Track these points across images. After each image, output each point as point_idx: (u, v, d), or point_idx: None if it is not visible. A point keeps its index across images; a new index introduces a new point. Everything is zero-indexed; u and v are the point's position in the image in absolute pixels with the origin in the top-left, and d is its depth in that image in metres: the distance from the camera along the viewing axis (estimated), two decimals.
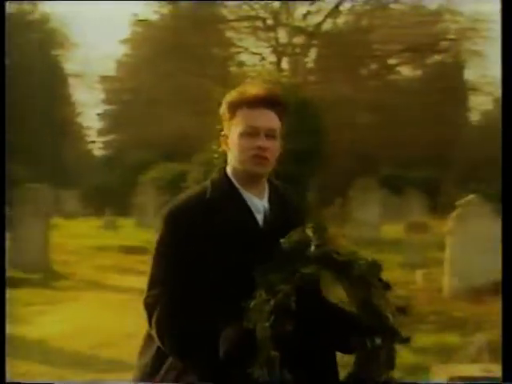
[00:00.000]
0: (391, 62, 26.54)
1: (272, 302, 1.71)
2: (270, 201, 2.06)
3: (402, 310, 1.89)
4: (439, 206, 19.05)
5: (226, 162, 2.08)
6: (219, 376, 1.82)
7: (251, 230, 1.99)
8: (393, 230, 15.87)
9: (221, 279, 1.91)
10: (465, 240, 8.23)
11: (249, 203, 2.02)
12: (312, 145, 8.34)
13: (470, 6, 23.81)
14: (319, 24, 22.93)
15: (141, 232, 16.02)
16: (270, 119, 1.99)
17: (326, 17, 22.93)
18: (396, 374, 1.90)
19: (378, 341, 1.83)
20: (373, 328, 1.83)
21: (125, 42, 33.73)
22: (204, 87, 18.25)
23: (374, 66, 26.74)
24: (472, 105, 32.13)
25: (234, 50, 26.05)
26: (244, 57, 25.30)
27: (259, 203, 2.03)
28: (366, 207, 15.44)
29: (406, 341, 1.86)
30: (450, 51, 25.67)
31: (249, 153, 1.98)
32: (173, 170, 19.06)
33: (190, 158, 12.57)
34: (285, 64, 22.97)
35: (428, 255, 11.18)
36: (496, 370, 3.83)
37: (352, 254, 1.83)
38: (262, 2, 22.43)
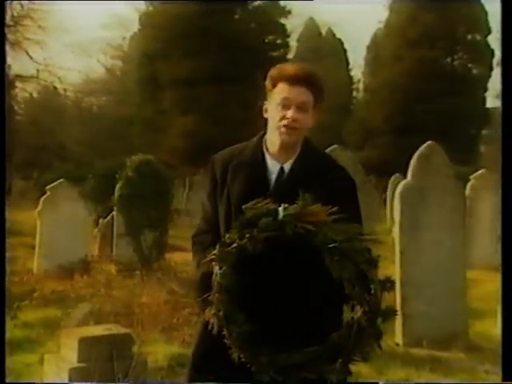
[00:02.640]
0: None
1: (220, 256, 1.96)
2: (293, 165, 2.29)
3: (386, 284, 1.92)
4: None
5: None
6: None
7: (260, 186, 2.24)
8: None
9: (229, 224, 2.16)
10: (54, 222, 8.82)
11: (268, 164, 2.30)
12: None
13: None
14: None
15: None
16: (302, 94, 2.23)
17: None
18: None
19: (361, 313, 1.90)
20: (357, 300, 1.92)
21: None
22: None
23: None
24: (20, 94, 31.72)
25: None
26: None
27: (276, 166, 2.29)
28: None
29: (392, 313, 1.95)
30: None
31: (280, 122, 2.24)
32: None
33: None
34: None
35: None
36: (115, 329, 4.52)
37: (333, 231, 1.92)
38: None
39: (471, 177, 10.06)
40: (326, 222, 1.94)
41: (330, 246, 1.91)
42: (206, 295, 2.00)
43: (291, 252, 2.03)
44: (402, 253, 5.69)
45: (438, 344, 5.42)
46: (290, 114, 2.22)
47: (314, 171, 2.27)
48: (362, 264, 1.92)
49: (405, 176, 5.97)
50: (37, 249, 8.78)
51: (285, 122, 2.23)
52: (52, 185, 8.86)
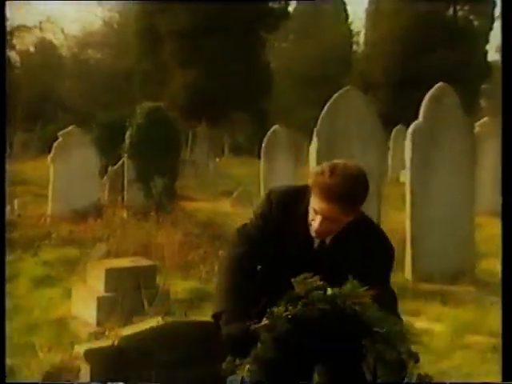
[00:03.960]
0: None
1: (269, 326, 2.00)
2: (335, 239, 2.29)
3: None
4: None
5: None
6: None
7: (305, 248, 2.31)
8: None
9: (269, 271, 2.31)
10: (66, 168, 8.95)
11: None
12: None
13: None
14: None
15: None
16: (329, 210, 2.18)
17: None
18: None
19: None
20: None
21: None
22: None
23: None
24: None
25: None
26: None
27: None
28: None
29: None
30: None
31: (311, 223, 2.25)
32: None
33: None
34: None
35: None
36: (139, 261, 4.78)
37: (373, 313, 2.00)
38: None
39: (476, 124, 10.14)
40: (369, 305, 2.00)
41: (375, 329, 1.97)
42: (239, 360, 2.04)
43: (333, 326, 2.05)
44: (412, 193, 5.85)
45: (447, 279, 5.62)
46: (315, 224, 2.21)
47: (355, 243, 2.27)
48: (403, 354, 1.95)
49: (407, 126, 6.09)
50: (50, 193, 8.92)
51: (313, 225, 2.24)
52: (64, 131, 8.93)
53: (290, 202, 2.33)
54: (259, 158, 12.65)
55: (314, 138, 5.49)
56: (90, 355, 2.18)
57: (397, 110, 24.29)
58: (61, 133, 8.82)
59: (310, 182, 2.23)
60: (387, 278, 2.37)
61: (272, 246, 2.33)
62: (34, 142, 21.63)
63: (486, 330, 4.56)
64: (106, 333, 2.28)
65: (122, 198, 9.20)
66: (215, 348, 2.23)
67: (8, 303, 5.27)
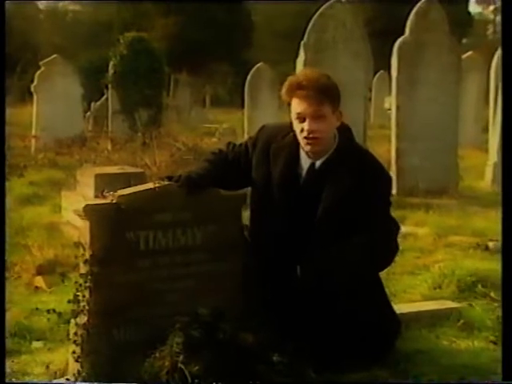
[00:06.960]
0: None
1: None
2: (324, 163, 2.35)
3: None
4: None
5: None
6: None
7: (294, 176, 2.38)
8: None
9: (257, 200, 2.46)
10: (49, 98, 8.83)
11: (301, 159, 2.38)
12: None
13: None
14: None
15: None
16: (314, 104, 2.24)
17: None
18: None
19: None
20: None
21: None
22: None
23: None
24: None
25: None
26: None
27: (308, 161, 2.37)
28: None
29: None
30: None
31: (301, 135, 2.31)
32: None
33: None
34: None
35: None
36: (128, 169, 4.78)
37: None
38: None
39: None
40: None
41: None
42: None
43: None
44: (398, 108, 5.89)
45: (431, 194, 5.71)
46: (306, 126, 2.27)
47: (346, 169, 2.32)
48: None
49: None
50: (34, 122, 8.82)
51: (304, 134, 2.29)
52: (46, 60, 8.79)
53: (277, 133, 2.42)
54: (242, 108, 12.59)
55: (301, 51, 5.47)
56: (88, 211, 2.21)
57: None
58: (43, 62, 8.68)
59: (286, 96, 2.32)
60: (387, 207, 2.41)
61: (260, 172, 2.41)
62: (13, 88, 21.27)
63: (469, 231, 4.66)
64: (105, 193, 2.29)
65: (106, 131, 9.15)
66: (211, 210, 2.33)
67: None
